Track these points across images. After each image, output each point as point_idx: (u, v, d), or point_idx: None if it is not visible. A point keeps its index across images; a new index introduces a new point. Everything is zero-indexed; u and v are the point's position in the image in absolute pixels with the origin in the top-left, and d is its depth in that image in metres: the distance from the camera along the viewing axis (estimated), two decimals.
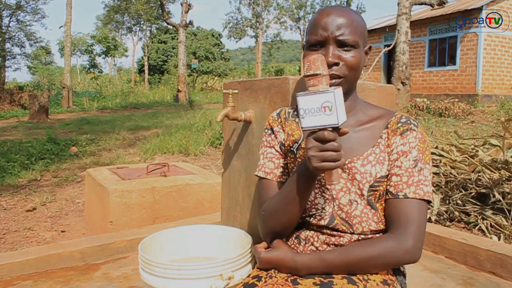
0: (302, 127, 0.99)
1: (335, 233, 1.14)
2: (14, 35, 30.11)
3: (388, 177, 1.12)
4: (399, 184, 1.10)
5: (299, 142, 1.21)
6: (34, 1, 30.04)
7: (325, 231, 1.15)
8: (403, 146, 1.12)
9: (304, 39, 1.21)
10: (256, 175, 1.28)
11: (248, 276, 1.20)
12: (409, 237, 1.05)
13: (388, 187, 1.12)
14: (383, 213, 1.14)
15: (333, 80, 1.09)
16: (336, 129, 0.98)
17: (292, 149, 1.22)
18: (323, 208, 1.15)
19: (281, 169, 1.24)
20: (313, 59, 0.99)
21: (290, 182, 1.12)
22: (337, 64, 1.10)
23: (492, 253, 2.26)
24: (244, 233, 1.59)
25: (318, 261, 1.08)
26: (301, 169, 1.07)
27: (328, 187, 1.14)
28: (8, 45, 29.43)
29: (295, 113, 1.27)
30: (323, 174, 1.04)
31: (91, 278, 2.22)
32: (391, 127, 1.15)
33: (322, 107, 0.95)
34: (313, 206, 1.16)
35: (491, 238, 2.95)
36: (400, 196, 1.09)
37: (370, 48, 1.21)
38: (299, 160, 1.19)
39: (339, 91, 0.97)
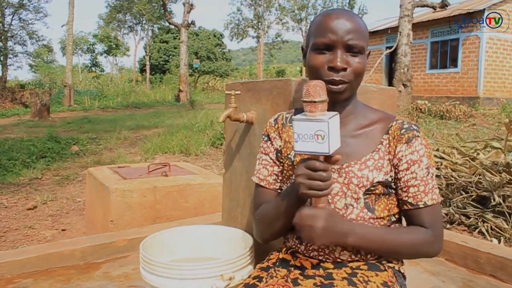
0: (294, 150, 1.01)
1: None
2: (16, 34, 30.14)
3: (404, 188, 1.13)
4: (417, 194, 1.12)
5: None
6: (36, 0, 30.10)
7: None
8: (411, 155, 1.12)
9: (306, 41, 1.21)
10: (253, 179, 1.30)
11: (249, 277, 1.20)
12: (438, 234, 1.13)
13: (406, 198, 1.13)
14: (382, 214, 1.14)
15: (340, 86, 1.09)
16: (327, 158, 0.99)
17: (289, 156, 1.22)
18: None
19: (274, 177, 1.26)
20: (313, 85, 0.98)
21: (282, 196, 1.15)
22: (345, 69, 1.09)
23: (492, 256, 2.27)
24: (245, 234, 1.60)
25: (367, 232, 1.09)
26: (292, 188, 1.09)
27: None
28: (10, 43, 29.46)
29: (293, 117, 1.27)
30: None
31: (91, 277, 2.22)
32: (393, 133, 1.15)
33: (315, 134, 0.96)
34: None
35: (491, 241, 2.95)
36: (420, 206, 1.12)
37: (369, 53, 1.21)
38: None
39: (334, 119, 0.97)
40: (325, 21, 1.11)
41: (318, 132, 0.96)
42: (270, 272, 1.15)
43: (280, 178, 1.26)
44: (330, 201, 1.14)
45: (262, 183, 1.26)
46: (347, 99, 1.15)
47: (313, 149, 0.97)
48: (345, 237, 1.05)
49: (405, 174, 1.13)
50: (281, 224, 1.16)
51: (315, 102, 0.98)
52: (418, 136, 1.13)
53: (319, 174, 0.97)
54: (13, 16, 29.27)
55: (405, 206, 1.14)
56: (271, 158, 1.26)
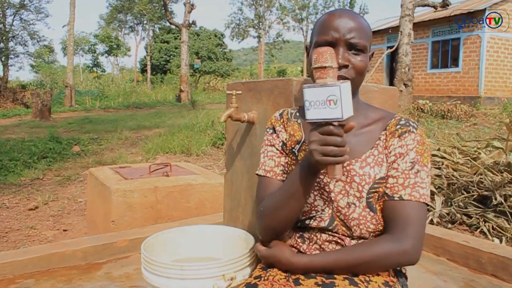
0: (306, 119, 0.98)
1: (336, 234, 1.15)
2: (18, 34, 30.16)
3: (386, 179, 1.13)
4: (395, 186, 1.10)
5: (301, 143, 1.22)
6: (37, 0, 30.14)
7: (326, 232, 1.16)
8: (400, 148, 1.12)
9: (309, 39, 1.22)
10: (257, 174, 1.28)
11: (250, 276, 1.20)
12: (408, 238, 1.05)
13: (385, 188, 1.12)
14: (382, 215, 1.14)
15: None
16: (341, 125, 0.97)
17: (293, 150, 1.22)
18: (322, 210, 1.16)
19: (281, 167, 1.24)
20: (322, 51, 0.98)
21: (292, 175, 1.11)
22: (346, 66, 1.10)
23: (494, 255, 2.26)
24: (247, 234, 1.60)
25: (316, 262, 1.08)
26: (304, 162, 1.07)
27: (327, 189, 1.14)
28: (11, 43, 29.48)
29: (298, 114, 1.27)
30: (325, 170, 1.04)
31: (93, 277, 2.22)
32: (390, 129, 1.15)
33: (327, 100, 0.94)
34: (312, 208, 1.17)
35: (493, 240, 2.95)
36: (395, 198, 1.09)
37: (372, 54, 1.22)
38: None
39: (346, 85, 0.96)
40: (328, 20, 1.13)
41: (330, 97, 0.94)
42: (269, 271, 1.15)
43: (286, 169, 1.24)
44: (333, 199, 1.14)
45: (268, 175, 1.23)
46: None
47: (326, 115, 0.95)
48: (296, 270, 1.09)
49: (391, 167, 1.12)
50: (290, 211, 1.12)
51: (325, 67, 0.97)
52: (412, 132, 1.13)
53: (334, 138, 0.95)
54: (14, 17, 29.30)
55: (383, 198, 1.13)
56: (277, 149, 1.25)
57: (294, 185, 1.09)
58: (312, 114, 0.97)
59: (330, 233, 1.15)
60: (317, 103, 0.95)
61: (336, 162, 0.97)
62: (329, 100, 0.94)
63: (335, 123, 0.96)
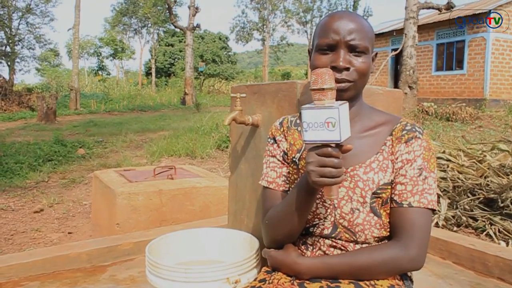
0: (304, 140, 0.99)
1: (339, 241, 1.15)
2: (24, 38, 30.35)
3: (393, 185, 1.12)
4: (403, 193, 1.10)
5: (301, 152, 1.21)
6: (43, 4, 30.33)
7: (329, 239, 1.16)
8: (407, 154, 1.12)
9: (311, 43, 1.21)
10: (261, 184, 1.29)
11: (255, 280, 1.20)
12: (414, 245, 1.06)
13: (393, 195, 1.12)
14: (387, 220, 1.14)
15: (343, 84, 1.09)
16: (338, 146, 0.98)
17: (294, 159, 1.22)
18: (325, 218, 1.15)
19: (283, 178, 1.24)
20: (320, 72, 0.98)
21: (292, 193, 1.12)
22: (347, 69, 1.10)
23: (500, 259, 2.24)
24: (251, 237, 1.59)
25: (321, 264, 1.08)
26: (302, 182, 1.08)
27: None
28: (17, 47, 29.67)
29: (298, 121, 1.27)
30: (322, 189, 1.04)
31: (98, 280, 2.23)
32: (396, 134, 1.15)
33: (325, 122, 0.95)
34: (315, 216, 1.17)
35: (499, 243, 2.93)
36: (404, 205, 1.09)
37: (376, 55, 1.21)
38: (302, 171, 1.20)
39: (344, 107, 0.96)
40: (328, 22, 1.13)
41: (328, 119, 0.94)
42: (273, 274, 1.15)
43: (289, 179, 1.25)
44: (336, 205, 1.14)
45: (271, 186, 1.25)
46: (352, 99, 1.14)
47: (324, 137, 0.96)
48: (300, 275, 1.08)
49: (398, 173, 1.12)
50: (292, 225, 1.13)
51: (323, 89, 0.97)
52: (418, 138, 1.12)
53: (331, 160, 0.96)
54: (20, 20, 29.49)
55: (391, 205, 1.12)
56: (278, 160, 1.25)
57: (294, 203, 1.10)
58: (310, 136, 0.97)
59: (333, 239, 1.15)
60: (315, 125, 0.96)
61: (333, 183, 0.97)
62: (328, 122, 0.95)
63: (333, 145, 0.97)
